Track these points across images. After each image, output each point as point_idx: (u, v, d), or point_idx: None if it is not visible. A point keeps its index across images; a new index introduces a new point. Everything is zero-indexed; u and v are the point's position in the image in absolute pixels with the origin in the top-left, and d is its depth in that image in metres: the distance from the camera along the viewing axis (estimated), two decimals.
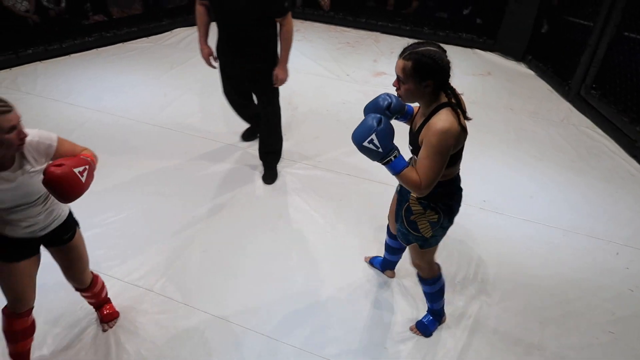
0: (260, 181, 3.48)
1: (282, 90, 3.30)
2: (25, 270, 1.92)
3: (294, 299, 2.54)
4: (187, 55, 5.71)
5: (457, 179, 1.99)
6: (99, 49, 5.81)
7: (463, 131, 1.73)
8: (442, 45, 1.72)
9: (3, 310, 1.98)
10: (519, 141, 4.10)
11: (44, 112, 4.27)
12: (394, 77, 1.77)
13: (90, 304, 2.36)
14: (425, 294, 2.31)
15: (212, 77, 5.13)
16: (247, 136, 3.98)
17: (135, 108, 4.45)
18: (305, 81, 4.91)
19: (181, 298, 2.53)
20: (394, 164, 1.69)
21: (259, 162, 3.60)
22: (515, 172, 3.67)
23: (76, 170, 1.69)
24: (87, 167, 1.74)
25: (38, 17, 5.64)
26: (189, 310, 2.46)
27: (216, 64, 3.26)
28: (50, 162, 1.72)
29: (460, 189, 2.03)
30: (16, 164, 1.71)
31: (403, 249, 2.52)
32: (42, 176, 1.66)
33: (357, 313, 2.48)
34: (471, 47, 6.11)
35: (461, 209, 2.07)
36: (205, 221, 3.09)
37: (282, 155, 3.67)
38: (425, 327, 2.38)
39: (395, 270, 2.69)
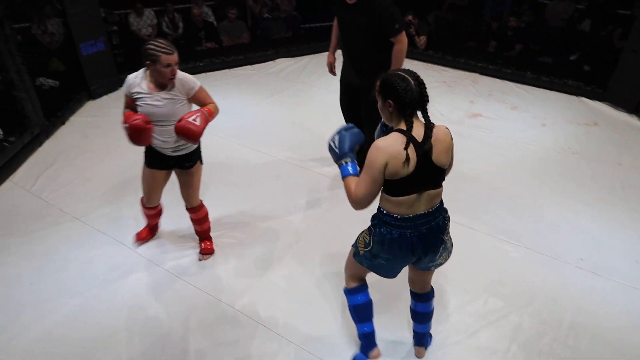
0: (345, 212, 3.48)
1: None
2: (155, 176, 2.64)
3: None
4: (286, 85, 5.98)
5: (413, 223, 1.83)
6: (207, 73, 6.28)
7: (405, 158, 1.68)
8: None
9: (141, 198, 2.83)
10: (626, 199, 3.76)
11: None
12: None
13: (196, 232, 2.95)
14: None
15: (308, 107, 5.36)
16: None
17: (234, 130, 4.71)
18: None
19: (259, 319, 2.59)
20: (343, 168, 1.82)
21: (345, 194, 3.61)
22: (620, 232, 3.35)
23: (190, 118, 2.31)
24: (198, 114, 2.36)
25: None
26: (265, 332, 2.51)
27: (337, 73, 3.58)
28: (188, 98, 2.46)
29: (415, 237, 1.85)
30: (168, 88, 2.33)
31: (428, 315, 2.27)
32: (183, 103, 2.39)
33: None
34: (577, 94, 5.77)
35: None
36: (288, 246, 3.15)
37: None
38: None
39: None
